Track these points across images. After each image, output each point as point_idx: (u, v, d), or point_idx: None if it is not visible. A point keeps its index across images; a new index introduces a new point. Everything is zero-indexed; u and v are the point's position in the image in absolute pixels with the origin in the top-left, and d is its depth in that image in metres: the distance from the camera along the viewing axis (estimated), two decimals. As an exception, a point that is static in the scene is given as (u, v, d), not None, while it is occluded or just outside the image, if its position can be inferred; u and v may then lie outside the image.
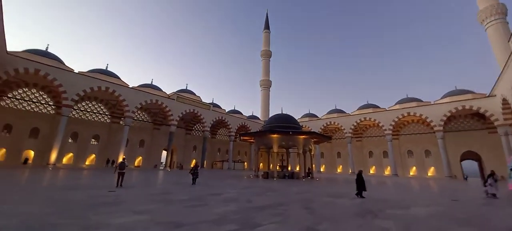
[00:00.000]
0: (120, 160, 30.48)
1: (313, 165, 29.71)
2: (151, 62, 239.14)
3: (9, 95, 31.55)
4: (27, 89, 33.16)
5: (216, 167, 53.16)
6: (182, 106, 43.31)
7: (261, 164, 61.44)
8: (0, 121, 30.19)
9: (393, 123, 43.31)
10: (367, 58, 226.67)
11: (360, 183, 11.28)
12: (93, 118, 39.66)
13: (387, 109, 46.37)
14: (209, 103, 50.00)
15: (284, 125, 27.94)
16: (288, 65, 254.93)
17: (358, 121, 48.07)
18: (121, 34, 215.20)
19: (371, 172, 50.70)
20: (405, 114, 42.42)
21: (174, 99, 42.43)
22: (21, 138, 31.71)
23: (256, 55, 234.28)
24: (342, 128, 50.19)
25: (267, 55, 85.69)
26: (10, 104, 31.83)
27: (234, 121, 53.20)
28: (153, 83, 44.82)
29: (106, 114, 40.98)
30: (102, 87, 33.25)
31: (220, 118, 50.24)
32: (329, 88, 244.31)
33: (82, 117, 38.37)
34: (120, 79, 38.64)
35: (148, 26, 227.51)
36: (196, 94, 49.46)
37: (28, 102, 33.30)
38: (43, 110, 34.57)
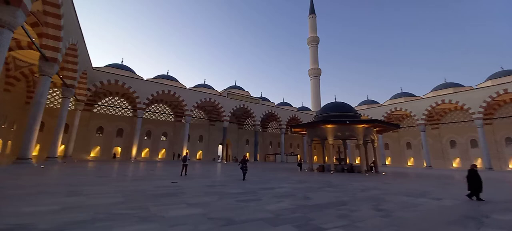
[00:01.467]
0: (184, 154, 34.58)
1: (376, 158, 26.18)
2: (203, 63, 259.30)
3: (99, 103, 38.99)
4: (111, 97, 40.29)
5: (268, 160, 53.60)
6: (233, 102, 44.97)
7: (315, 157, 58.91)
8: (95, 124, 37.68)
9: (484, 104, 34.26)
10: (439, 31, 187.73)
11: (476, 182, 8.48)
12: (161, 118, 45.32)
13: (475, 88, 37.00)
14: (258, 97, 50.46)
15: (339, 114, 25.48)
16: (339, 50, 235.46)
17: (433, 105, 40.06)
18: (174, 40, 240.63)
19: (454, 165, 41.80)
20: (501, 92, 32.90)
21: (225, 96, 44.45)
22: (111, 137, 38.85)
23: (302, 43, 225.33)
24: (412, 114, 42.81)
25: (315, 41, 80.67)
26: (100, 111, 39.32)
27: (284, 113, 52.29)
28: (206, 83, 48.03)
29: (171, 114, 46.21)
30: (165, 90, 37.48)
31: (270, 111, 50.09)
32: (389, 71, 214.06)
33: (153, 117, 44.31)
34: (179, 82, 42.77)
35: (196, 28, 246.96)
36: (245, 90, 50.63)
37: (113, 107, 40.45)
38: (124, 114, 41.44)
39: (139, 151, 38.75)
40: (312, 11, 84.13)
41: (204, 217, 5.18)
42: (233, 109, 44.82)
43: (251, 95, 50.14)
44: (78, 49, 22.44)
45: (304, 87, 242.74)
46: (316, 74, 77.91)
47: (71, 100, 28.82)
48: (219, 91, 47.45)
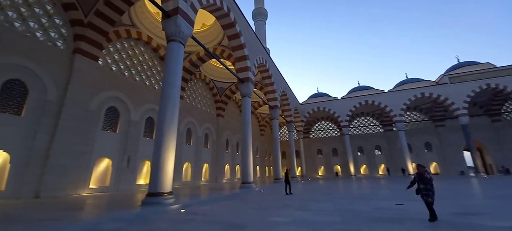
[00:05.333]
0: (410, 168, 30.02)
1: None
2: (398, 57, 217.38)
3: (312, 130, 46.52)
4: (319, 122, 46.41)
5: None
6: (464, 86, 30.96)
7: None
8: (314, 148, 44.92)
9: None
10: None
11: None
12: (368, 131, 43.02)
13: None
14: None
15: None
16: None
17: None
18: (361, 50, 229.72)
19: None
20: None
21: (446, 83, 32.04)
22: (329, 157, 43.65)
23: None
24: None
25: None
26: (315, 136, 46.39)
27: None
28: (409, 77, 38.71)
29: (377, 125, 42.34)
30: (361, 102, 35.91)
31: None
32: None
33: (359, 132, 43.47)
34: (374, 88, 39.02)
35: (386, 26, 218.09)
36: (481, 62, 32.79)
37: (324, 131, 46.05)
38: (333, 134, 45.23)
39: (356, 168, 38.93)
40: None
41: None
42: (469, 96, 30.51)
43: (496, 66, 31.11)
44: (286, 93, 29.71)
45: None
46: None
47: (294, 132, 37.57)
48: (433, 80, 35.58)
